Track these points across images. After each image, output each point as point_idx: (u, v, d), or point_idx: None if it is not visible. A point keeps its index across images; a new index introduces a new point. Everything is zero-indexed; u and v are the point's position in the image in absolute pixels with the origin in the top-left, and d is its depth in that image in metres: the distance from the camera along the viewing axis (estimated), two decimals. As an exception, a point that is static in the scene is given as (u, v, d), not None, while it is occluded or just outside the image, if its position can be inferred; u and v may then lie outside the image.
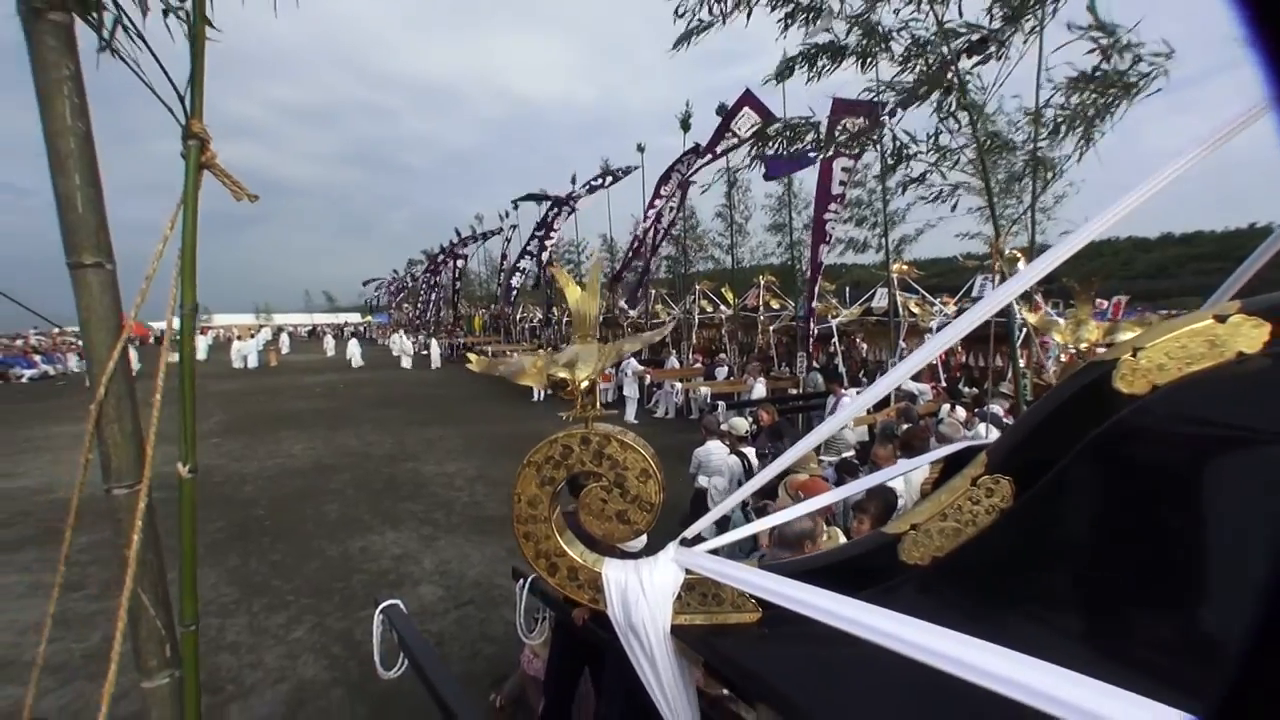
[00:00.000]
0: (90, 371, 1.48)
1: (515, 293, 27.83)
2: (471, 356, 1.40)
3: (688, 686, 1.40)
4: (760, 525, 1.88)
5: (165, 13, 1.35)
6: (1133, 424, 1.11)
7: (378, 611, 4.11)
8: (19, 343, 34.91)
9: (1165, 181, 1.30)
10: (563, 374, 1.31)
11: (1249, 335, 1.11)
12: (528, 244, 25.44)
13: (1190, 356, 1.10)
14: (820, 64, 6.21)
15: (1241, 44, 0.46)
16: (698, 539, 1.53)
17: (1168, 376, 1.10)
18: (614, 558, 1.53)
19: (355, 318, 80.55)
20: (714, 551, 1.46)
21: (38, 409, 19.40)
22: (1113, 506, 1.13)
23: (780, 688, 1.27)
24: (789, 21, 5.91)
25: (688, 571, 1.40)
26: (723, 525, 3.95)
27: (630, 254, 19.45)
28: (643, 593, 1.36)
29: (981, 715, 0.92)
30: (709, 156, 13.95)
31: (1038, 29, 5.61)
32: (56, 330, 38.18)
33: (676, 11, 5.81)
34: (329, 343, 34.29)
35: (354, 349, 32.95)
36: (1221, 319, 1.12)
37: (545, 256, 24.29)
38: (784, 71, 6.59)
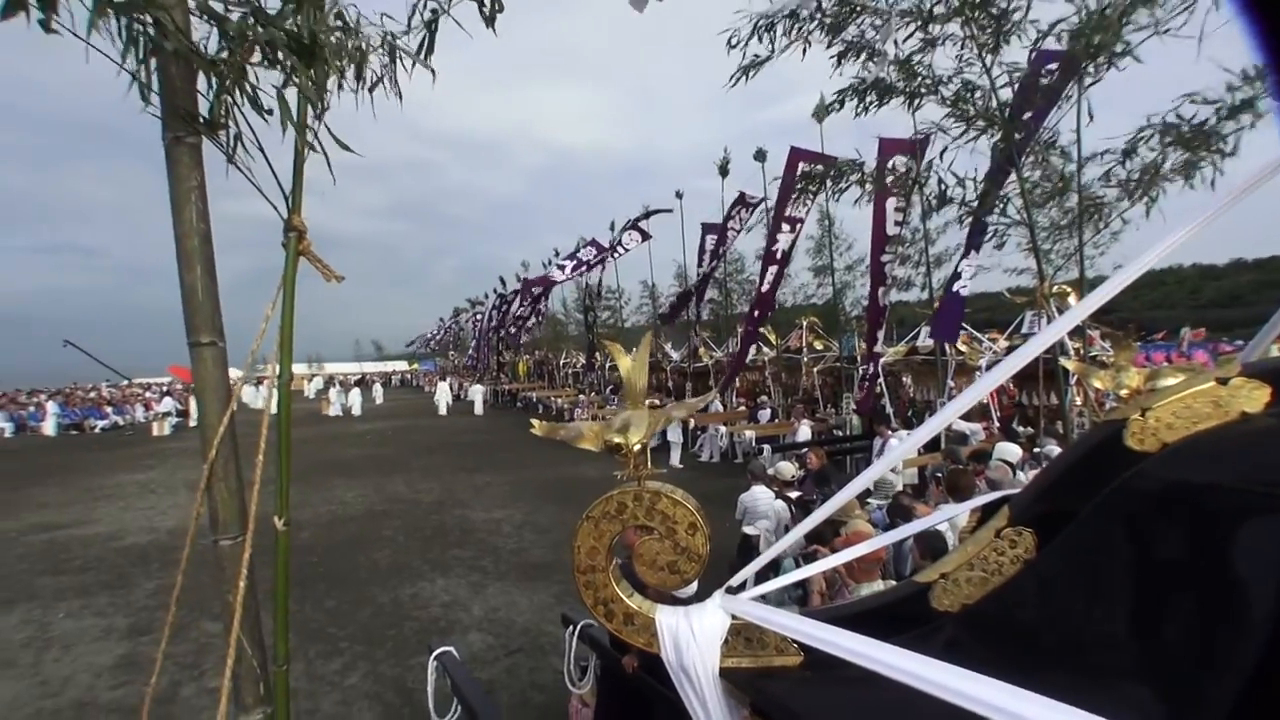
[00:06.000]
0: (203, 435, 1.67)
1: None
2: (535, 422, 1.55)
3: (736, 725, 1.49)
4: (808, 571, 1.95)
5: (284, 128, 1.57)
6: (1145, 480, 1.18)
7: (432, 658, 4.20)
8: (93, 394, 36.45)
9: (1224, 210, 1.32)
10: (617, 439, 1.45)
11: (1251, 397, 1.19)
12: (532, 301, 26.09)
13: (1197, 416, 1.17)
14: (869, 99, 6.36)
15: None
16: (743, 586, 1.63)
17: (1176, 435, 1.18)
18: (665, 604, 1.64)
19: (403, 365, 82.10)
20: (762, 597, 1.55)
21: (107, 458, 20.24)
22: (1128, 559, 1.20)
23: None
24: (841, 59, 6.09)
25: (733, 617, 1.50)
26: (773, 570, 3.98)
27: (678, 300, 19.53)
28: (693, 637, 1.47)
29: None
30: (788, 227, 13.54)
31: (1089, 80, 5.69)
32: (125, 383, 39.84)
33: (729, 42, 5.98)
34: (349, 395, 33.25)
35: (355, 398, 33.10)
36: (1224, 381, 1.20)
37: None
38: (831, 106, 6.74)
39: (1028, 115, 5.99)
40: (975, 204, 6.50)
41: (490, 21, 2.00)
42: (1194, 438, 1.17)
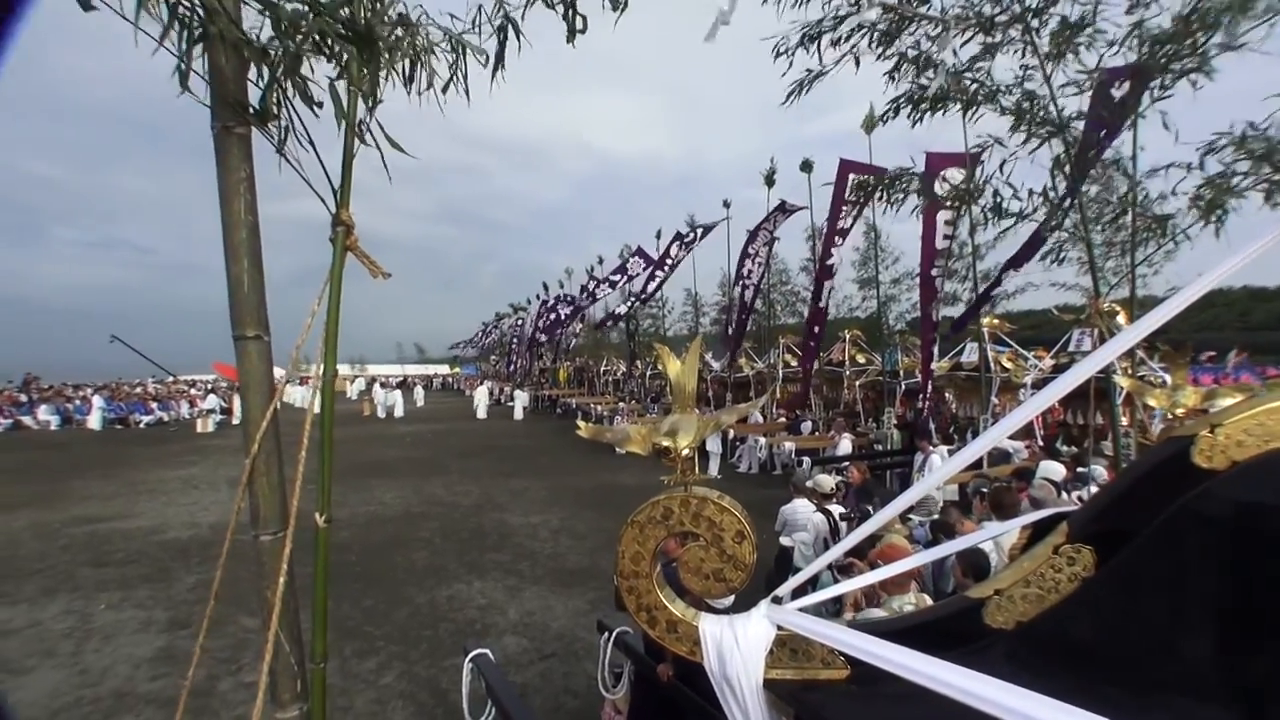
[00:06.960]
0: (246, 430, 1.68)
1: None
2: (581, 424, 1.53)
3: (778, 739, 1.44)
4: (846, 587, 1.90)
5: (338, 123, 1.58)
6: (1214, 498, 1.12)
7: (467, 660, 4.22)
8: (138, 389, 37.34)
9: None
10: (665, 443, 1.42)
11: None
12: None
13: (1270, 434, 1.11)
14: (923, 108, 6.18)
15: None
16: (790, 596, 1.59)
17: (1247, 453, 1.11)
18: (706, 612, 1.61)
19: (444, 368, 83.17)
20: (803, 609, 1.51)
21: (151, 454, 20.68)
22: (1193, 579, 1.14)
23: None
24: (895, 73, 5.92)
25: (779, 628, 1.46)
26: (811, 584, 3.92)
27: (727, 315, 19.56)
28: (737, 646, 1.43)
29: None
30: (840, 240, 13.59)
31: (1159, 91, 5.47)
32: (170, 379, 40.92)
33: (776, 50, 5.82)
34: (391, 396, 34.11)
35: (396, 400, 33.91)
36: None
37: (622, 309, 24.85)
38: (885, 115, 6.59)
39: (1098, 131, 5.74)
40: (1033, 216, 6.28)
41: (571, 37, 2.01)
42: (1266, 455, 1.10)
